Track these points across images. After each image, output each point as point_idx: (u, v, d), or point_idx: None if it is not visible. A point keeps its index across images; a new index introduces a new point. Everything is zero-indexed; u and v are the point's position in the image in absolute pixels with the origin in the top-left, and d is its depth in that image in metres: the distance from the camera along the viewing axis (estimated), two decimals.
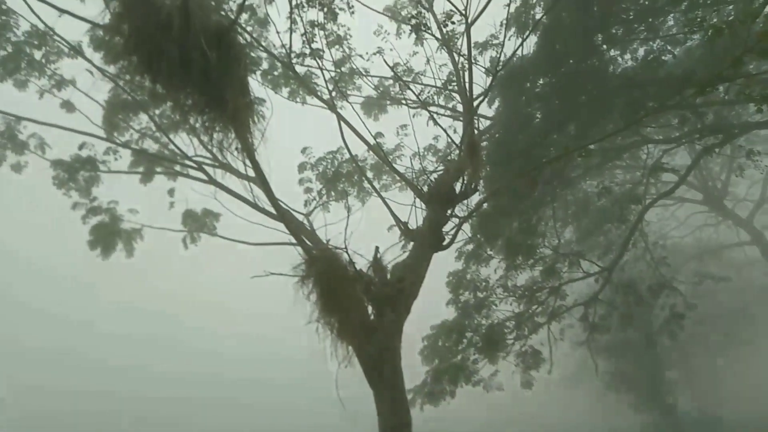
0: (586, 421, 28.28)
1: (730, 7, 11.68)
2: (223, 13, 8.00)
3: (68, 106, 11.00)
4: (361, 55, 12.25)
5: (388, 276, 8.86)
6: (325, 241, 9.01)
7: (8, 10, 9.31)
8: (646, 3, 12.03)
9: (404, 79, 13.25)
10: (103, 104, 10.79)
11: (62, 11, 7.07)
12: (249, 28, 11.09)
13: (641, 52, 12.71)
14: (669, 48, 12.24)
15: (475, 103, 10.39)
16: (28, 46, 9.97)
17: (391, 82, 13.91)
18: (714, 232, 26.93)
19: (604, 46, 12.53)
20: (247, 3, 8.78)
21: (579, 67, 12.31)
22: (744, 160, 13.01)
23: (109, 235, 11.80)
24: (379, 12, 12.48)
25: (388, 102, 14.14)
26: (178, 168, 11.63)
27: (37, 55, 10.21)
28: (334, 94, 11.71)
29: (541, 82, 12.85)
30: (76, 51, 9.65)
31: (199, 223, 12.74)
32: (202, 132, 7.53)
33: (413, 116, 12.86)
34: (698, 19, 9.44)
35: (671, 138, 14.08)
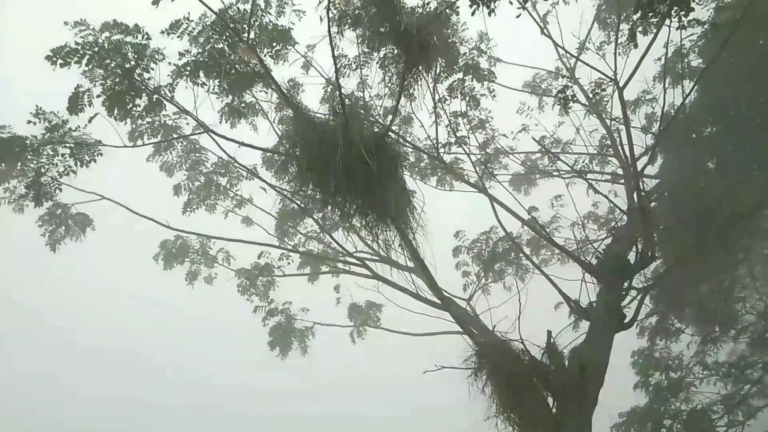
0: None
1: None
2: (374, 119, 8.64)
3: (247, 221, 12.42)
4: (505, 135, 12.31)
5: (566, 363, 8.16)
6: (491, 328, 8.68)
7: (201, 148, 11.05)
8: None
9: (553, 150, 12.93)
10: (275, 216, 12.05)
11: (242, 144, 8.14)
12: (395, 127, 11.79)
13: None
14: None
15: (639, 164, 9.68)
16: (215, 175, 11.64)
17: (539, 156, 13.67)
18: None
19: None
20: (393, 105, 9.34)
21: (753, 106, 10.99)
22: None
23: (285, 334, 12.67)
24: (518, 90, 12.59)
25: (538, 176, 13.81)
26: (341, 265, 12.30)
27: (222, 181, 11.84)
28: (482, 175, 11.77)
29: (708, 130, 11.65)
30: (253, 174, 11.03)
31: (363, 316, 13.19)
32: (365, 232, 7.95)
33: (567, 185, 12.32)
34: None
35: None
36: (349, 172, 6.58)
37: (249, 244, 11.62)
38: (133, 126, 9.41)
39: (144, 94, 8.15)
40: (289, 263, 12.30)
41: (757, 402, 11.62)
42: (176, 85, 8.41)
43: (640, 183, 9.88)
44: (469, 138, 11.05)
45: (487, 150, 12.37)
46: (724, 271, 11.95)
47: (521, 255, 12.56)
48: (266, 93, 9.30)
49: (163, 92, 8.33)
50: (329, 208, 7.99)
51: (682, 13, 6.85)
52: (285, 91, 7.97)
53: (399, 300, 10.80)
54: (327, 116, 7.38)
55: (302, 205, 10.11)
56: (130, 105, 7.95)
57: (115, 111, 7.77)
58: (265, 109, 9.69)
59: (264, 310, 12.52)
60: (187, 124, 9.78)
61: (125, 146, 8.77)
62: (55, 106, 8.12)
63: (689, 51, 11.52)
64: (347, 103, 8.68)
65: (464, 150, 10.89)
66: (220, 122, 9.03)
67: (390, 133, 7.64)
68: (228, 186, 11.90)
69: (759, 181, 11.28)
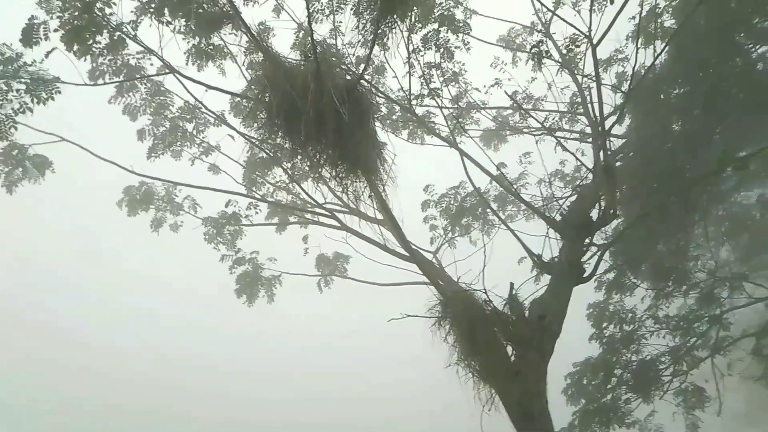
0: None
1: None
2: (347, 67, 8.43)
3: (214, 168, 12.17)
4: (478, 89, 12.23)
5: (527, 314, 8.47)
6: (456, 280, 8.89)
7: (166, 90, 10.64)
8: None
9: (524, 106, 12.95)
10: (243, 164, 11.84)
11: (210, 87, 7.87)
12: (368, 77, 11.57)
13: None
14: None
15: (606, 123, 9.81)
16: (181, 121, 11.28)
17: (510, 111, 13.68)
18: None
19: (750, 45, 11.28)
20: (366, 54, 9.15)
21: (721, 71, 11.17)
22: None
23: (252, 283, 12.72)
24: (493, 44, 12.44)
25: (509, 132, 13.87)
26: (310, 216, 12.27)
27: (189, 127, 11.49)
28: (453, 130, 11.75)
29: (676, 92, 11.82)
30: (221, 120, 10.72)
31: (331, 267, 13.31)
32: (335, 183, 7.91)
33: (537, 143, 12.44)
34: None
35: None
36: (319, 120, 6.47)
37: (216, 192, 11.43)
38: (94, 64, 8.98)
39: (105, 31, 7.75)
40: (257, 213, 12.23)
41: (701, 353, 12.38)
42: (140, 22, 8.01)
43: (607, 142, 10.06)
44: (441, 91, 10.95)
45: (460, 104, 12.30)
46: (680, 230, 12.42)
47: (488, 210, 12.76)
48: (235, 35, 8.90)
49: (126, 29, 7.93)
50: (299, 157, 7.90)
51: None
52: (255, 34, 7.65)
53: (367, 252, 10.92)
54: (298, 62, 7.17)
55: (271, 154, 9.95)
56: (91, 41, 7.55)
57: (75, 47, 7.36)
58: (234, 53, 9.34)
59: (231, 258, 12.48)
60: (152, 65, 9.39)
61: (85, 84, 8.38)
62: (7, 38, 7.67)
63: (663, 11, 11.54)
64: (319, 49, 8.45)
65: (437, 103, 10.79)
66: (187, 64, 8.69)
67: (362, 82, 7.49)
68: (194, 132, 11.58)
69: (720, 145, 11.61)
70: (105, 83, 9.42)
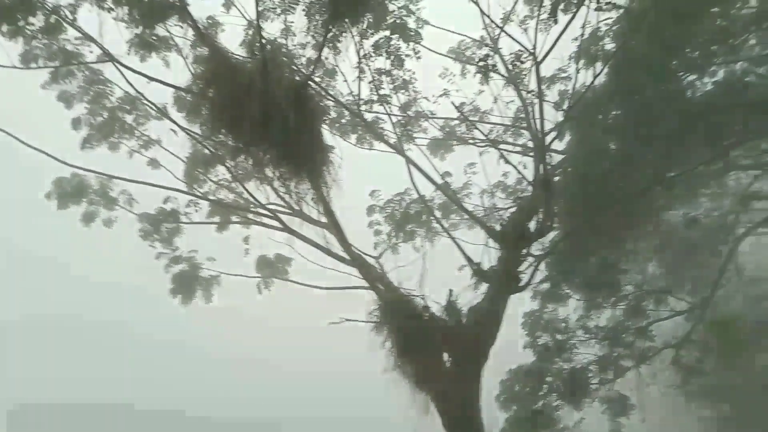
0: None
1: None
2: (296, 68, 8.36)
3: (154, 163, 11.70)
4: (426, 98, 12.39)
5: (464, 321, 8.64)
6: (397, 285, 8.96)
7: (105, 79, 10.18)
8: (724, 23, 11.47)
9: (471, 118, 13.22)
10: (185, 160, 11.47)
11: (152, 79, 7.61)
12: (318, 79, 11.49)
13: (721, 74, 12.07)
14: (753, 69, 11.53)
15: (547, 139, 10.18)
16: (120, 112, 10.81)
17: (457, 122, 13.92)
18: None
19: (681, 72, 12.01)
20: (315, 56, 9.10)
21: (654, 95, 11.82)
22: None
23: (189, 282, 12.33)
24: (443, 54, 12.63)
25: (455, 142, 14.11)
26: (252, 216, 12.03)
27: (129, 119, 11.03)
28: (401, 137, 11.86)
29: (614, 113, 12.41)
30: (162, 113, 10.35)
31: (272, 269, 13.07)
32: (279, 183, 7.82)
33: (481, 154, 12.73)
34: None
35: (762, 163, 13.12)
36: (265, 120, 6.39)
37: (155, 188, 11.02)
38: (27, 47, 8.49)
39: (40, 13, 7.35)
40: (197, 210, 11.87)
41: (626, 363, 12.96)
42: (79, 6, 7.65)
43: (547, 157, 10.45)
44: (391, 97, 11.04)
45: (408, 112, 12.43)
46: (612, 245, 13.00)
47: (432, 218, 12.93)
48: (182, 28, 8.66)
49: (63, 13, 7.56)
50: (242, 156, 7.76)
51: None
52: (202, 28, 7.48)
53: (310, 255, 10.80)
54: (246, 59, 7.06)
55: (214, 151, 9.71)
56: (22, 22, 7.14)
57: (4, 27, 6.94)
58: (180, 45, 9.06)
59: (167, 257, 12.06)
60: (91, 52, 9.01)
61: (15, 67, 7.91)
62: None
63: (605, 34, 12.10)
64: (268, 47, 8.34)
65: (385, 110, 10.87)
66: (128, 53, 8.37)
67: (311, 84, 7.46)
68: (134, 124, 11.13)
69: (652, 166, 12.28)
70: (38, 67, 8.93)
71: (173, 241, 12.13)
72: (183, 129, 9.81)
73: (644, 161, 12.19)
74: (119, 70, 8.49)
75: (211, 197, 12.35)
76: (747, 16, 11.42)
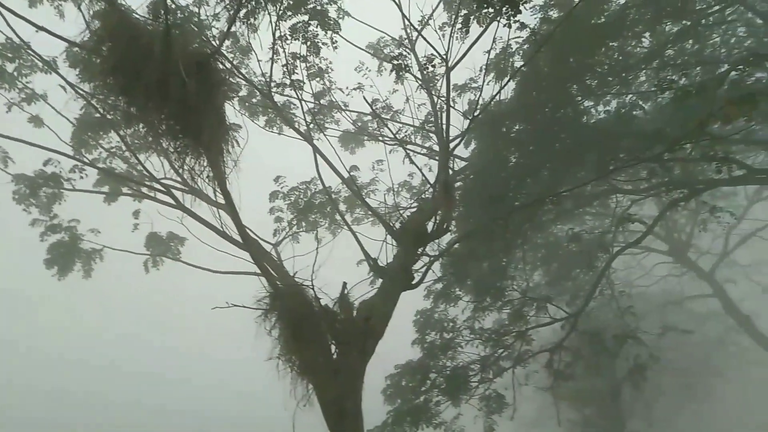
0: None
1: (698, 69, 12.24)
2: (206, 39, 7.97)
3: (36, 120, 10.67)
4: (341, 89, 12.33)
5: (355, 313, 8.69)
6: (292, 274, 8.84)
7: None
8: (620, 58, 12.49)
9: (383, 116, 13.35)
10: (74, 121, 10.56)
11: (40, 28, 6.89)
12: (230, 56, 11.05)
13: (614, 104, 13.13)
14: (641, 103, 12.66)
15: (452, 145, 10.49)
16: (1, 58, 9.73)
17: (369, 117, 14.00)
18: (678, 283, 27.42)
19: (579, 97, 12.91)
20: (230, 31, 8.75)
21: (554, 116, 12.61)
22: (707, 215, 13.32)
23: (67, 254, 11.40)
24: (361, 48, 12.65)
25: (366, 137, 14.20)
26: (145, 190, 11.34)
27: (10, 67, 9.96)
28: (311, 125, 11.71)
29: (517, 127, 13.09)
30: (50, 67, 9.43)
31: (163, 247, 12.42)
32: (174, 156, 7.41)
33: (389, 152, 12.90)
34: (668, 78, 9.83)
35: (640, 189, 14.40)
36: (163, 87, 6.01)
37: (36, 148, 10.00)
38: None
39: None
40: (82, 177, 10.95)
41: (505, 363, 13.70)
42: None
43: (451, 162, 10.79)
44: (304, 84, 10.87)
45: (321, 101, 12.32)
46: (503, 251, 13.71)
47: (335, 210, 12.91)
48: None
49: None
50: (138, 124, 7.26)
51: (511, 12, 7.51)
52: None
53: (203, 236, 10.36)
54: (148, 20, 6.60)
55: (106, 115, 9.00)
56: None
57: None
58: None
59: (44, 224, 11.06)
60: None
61: None
62: None
63: (516, 51, 12.72)
64: (179, 15, 7.92)
65: (297, 95, 10.68)
66: None
67: (219, 57, 7.13)
68: (16, 74, 10.07)
69: (546, 181, 13.09)
70: None
71: (52, 208, 11.12)
72: (73, 86, 8.99)
73: (539, 176, 13.01)
74: (1, 14, 7.61)
75: (101, 165, 11.50)
76: (640, 53, 12.55)
